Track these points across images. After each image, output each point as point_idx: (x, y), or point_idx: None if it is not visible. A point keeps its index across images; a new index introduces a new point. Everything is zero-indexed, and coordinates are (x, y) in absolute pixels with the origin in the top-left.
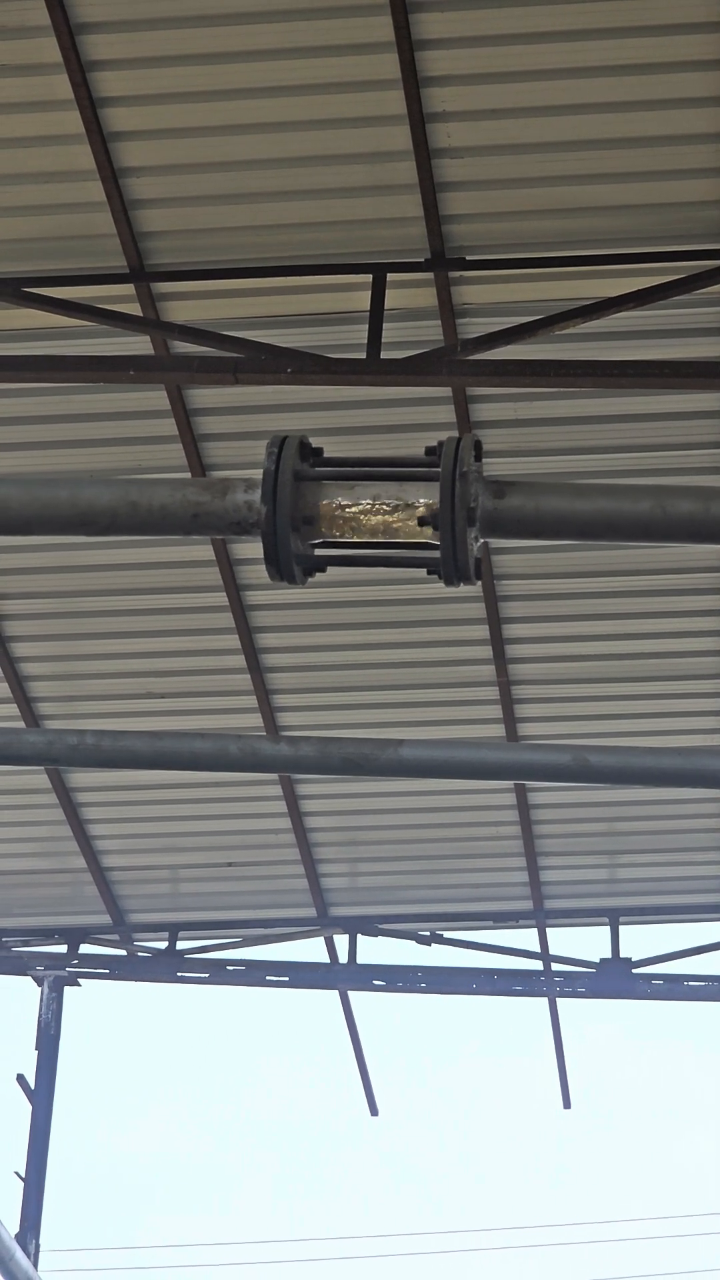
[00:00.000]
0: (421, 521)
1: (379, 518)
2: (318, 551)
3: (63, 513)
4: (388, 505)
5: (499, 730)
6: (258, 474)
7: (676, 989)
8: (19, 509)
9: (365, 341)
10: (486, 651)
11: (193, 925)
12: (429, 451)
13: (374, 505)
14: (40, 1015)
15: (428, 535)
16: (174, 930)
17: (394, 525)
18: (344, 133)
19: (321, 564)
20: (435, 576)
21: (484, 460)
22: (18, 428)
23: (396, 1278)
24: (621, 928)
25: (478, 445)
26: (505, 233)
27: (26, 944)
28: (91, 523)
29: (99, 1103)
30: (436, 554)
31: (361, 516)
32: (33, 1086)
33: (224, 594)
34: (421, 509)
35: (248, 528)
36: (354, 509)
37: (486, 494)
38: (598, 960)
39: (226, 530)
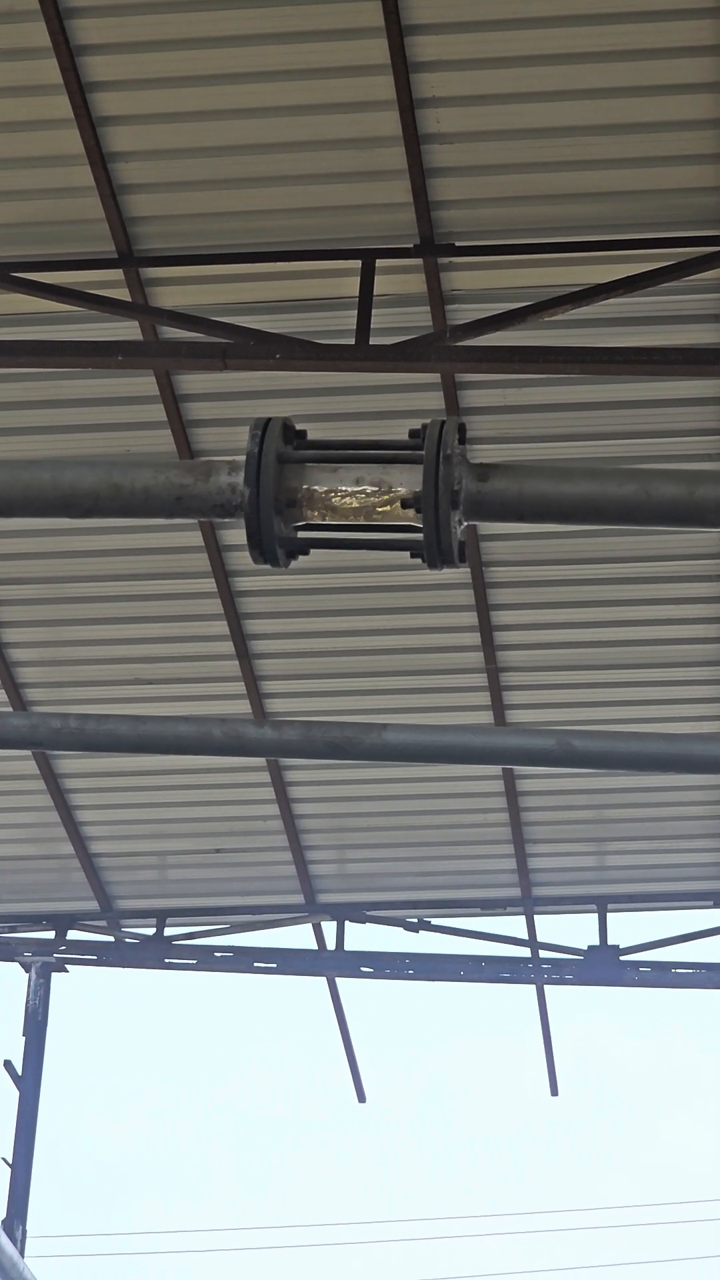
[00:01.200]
0: (405, 504)
1: (362, 500)
2: (301, 534)
3: (45, 494)
4: (371, 488)
5: (487, 717)
6: (241, 457)
7: (664, 976)
8: (1, 491)
9: (354, 327)
10: (475, 638)
11: (181, 912)
12: (413, 434)
13: (357, 488)
14: (28, 1001)
15: (411, 518)
16: (162, 916)
17: (377, 508)
18: (333, 118)
19: (305, 546)
20: (419, 559)
21: (473, 446)
22: (6, 413)
23: (384, 1264)
24: (609, 915)
25: (461, 428)
26: (494, 218)
27: (14, 930)
28: (74, 505)
29: (86, 1089)
30: (420, 536)
31: (345, 499)
32: (20, 1073)
33: (212, 580)
34: (405, 492)
35: (231, 510)
36: (337, 491)
37: (470, 477)
38: (586, 947)
39: (210, 513)
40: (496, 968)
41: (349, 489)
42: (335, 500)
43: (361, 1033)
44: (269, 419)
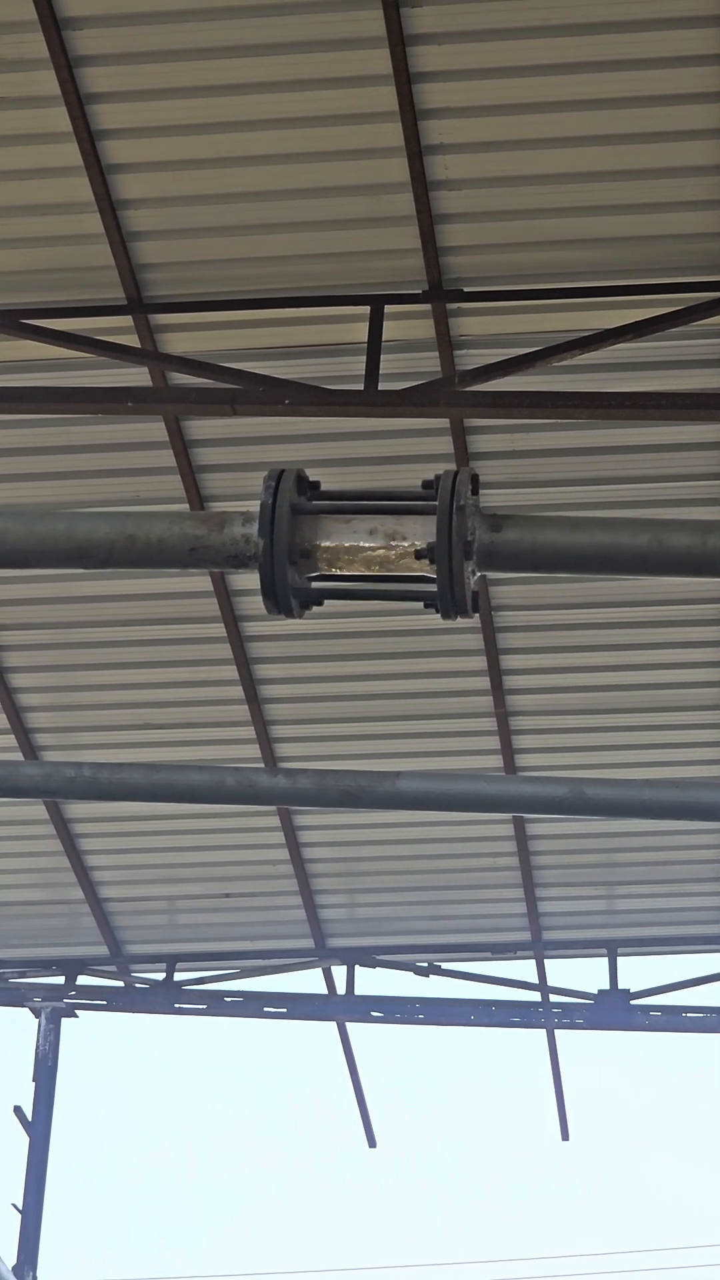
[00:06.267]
0: (418, 555)
1: (376, 551)
2: (315, 584)
3: (60, 546)
4: (385, 538)
5: (497, 762)
6: (255, 507)
7: (675, 1020)
8: (16, 542)
9: (363, 373)
10: (484, 683)
11: (190, 956)
12: (426, 485)
13: (371, 539)
14: (38, 1047)
15: (425, 568)
16: (171, 961)
17: (391, 559)
18: (341, 165)
19: (319, 597)
20: (432, 610)
21: (482, 491)
22: (16, 459)
23: None
24: (620, 959)
25: (475, 478)
26: (503, 264)
27: (24, 975)
28: (89, 556)
29: (96, 1135)
30: (433, 587)
31: (358, 550)
32: (30, 1118)
33: (222, 625)
34: (418, 542)
35: (245, 561)
36: (351, 542)
37: (483, 527)
38: (596, 992)
39: (224, 564)
40: (507, 1012)
41: (362, 540)
42: (349, 551)
43: (372, 1077)
44: (282, 470)
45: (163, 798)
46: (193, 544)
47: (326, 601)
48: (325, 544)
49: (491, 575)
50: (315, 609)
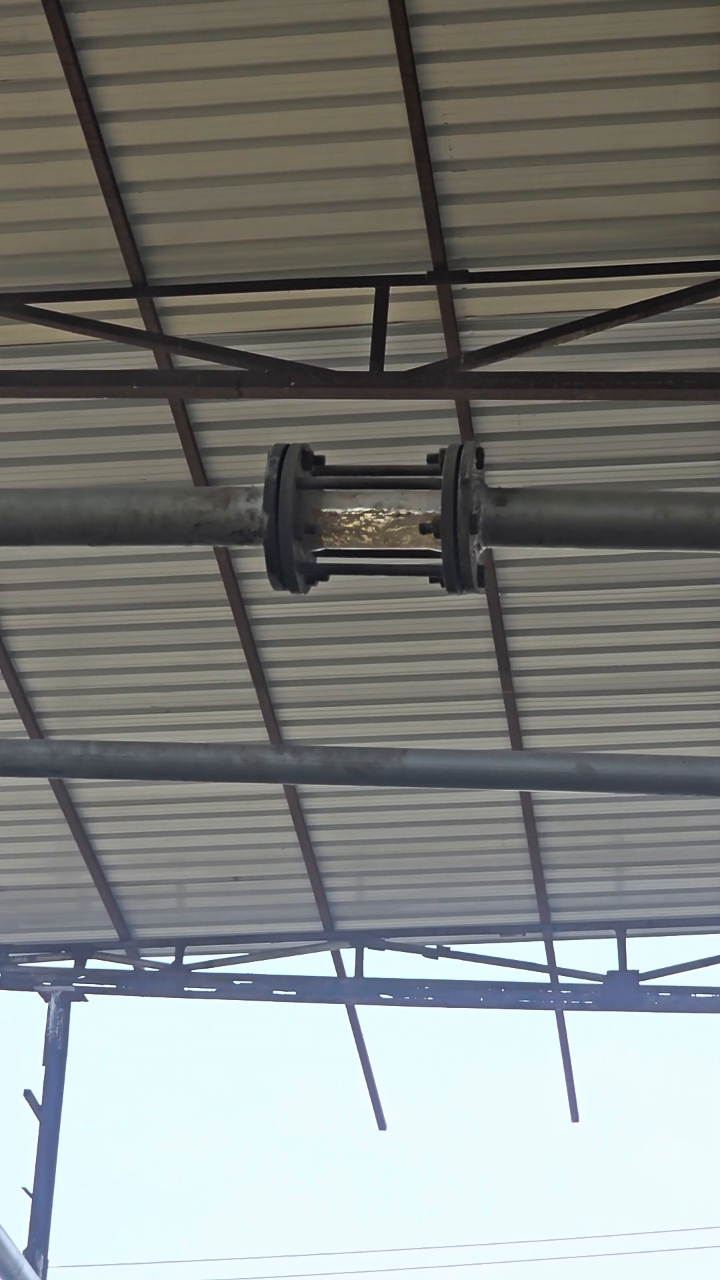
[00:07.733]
0: (424, 529)
1: (381, 525)
2: (320, 560)
3: (64, 522)
4: (390, 513)
5: (504, 743)
6: (260, 483)
7: (684, 1001)
8: (20, 519)
9: (368, 355)
10: (492, 664)
11: (199, 940)
12: (431, 459)
13: (376, 513)
14: (47, 1031)
15: (430, 543)
16: (181, 945)
17: (396, 533)
18: (345, 146)
19: (324, 572)
20: (438, 584)
21: (488, 472)
22: (21, 443)
23: None
24: (629, 940)
25: (479, 453)
26: (507, 245)
27: (33, 959)
28: (93, 532)
29: (106, 1118)
30: (439, 561)
31: (364, 524)
32: (40, 1102)
33: (229, 608)
34: (423, 516)
35: (250, 536)
36: (356, 517)
37: (488, 501)
38: (605, 973)
39: (228, 539)
40: (516, 994)
41: (368, 514)
42: (354, 526)
43: (381, 1060)
44: (287, 445)
45: (169, 776)
46: (197, 520)
47: (332, 581)
48: (330, 519)
49: (498, 556)
50: (321, 590)
